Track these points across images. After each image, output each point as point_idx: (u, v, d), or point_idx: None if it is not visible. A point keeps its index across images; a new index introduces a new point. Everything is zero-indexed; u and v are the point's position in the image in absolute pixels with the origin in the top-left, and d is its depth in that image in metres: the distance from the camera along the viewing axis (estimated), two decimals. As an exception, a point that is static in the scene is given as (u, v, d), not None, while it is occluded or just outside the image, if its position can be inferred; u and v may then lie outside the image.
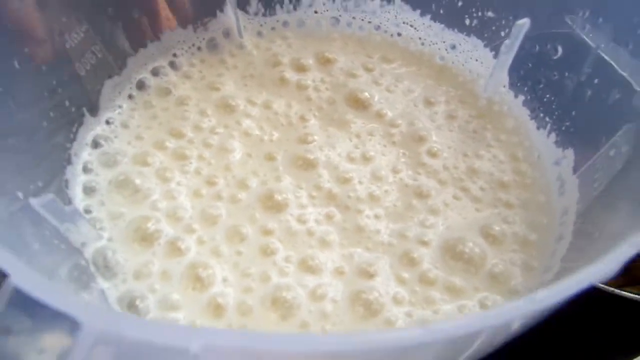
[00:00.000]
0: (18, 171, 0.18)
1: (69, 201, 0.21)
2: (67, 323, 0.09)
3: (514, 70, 0.25)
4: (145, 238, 0.21)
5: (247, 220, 0.22)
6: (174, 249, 0.21)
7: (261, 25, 0.29)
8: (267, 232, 0.22)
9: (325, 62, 0.28)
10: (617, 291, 0.30)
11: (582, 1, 0.21)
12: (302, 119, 0.26)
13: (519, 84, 0.25)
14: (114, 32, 0.25)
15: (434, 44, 0.29)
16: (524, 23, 0.24)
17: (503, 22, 0.25)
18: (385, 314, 0.20)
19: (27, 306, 0.10)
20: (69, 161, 0.22)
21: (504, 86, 0.26)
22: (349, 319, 0.20)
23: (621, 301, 0.31)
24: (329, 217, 0.22)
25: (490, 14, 0.26)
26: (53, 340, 0.10)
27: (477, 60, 0.27)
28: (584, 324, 0.35)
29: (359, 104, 0.27)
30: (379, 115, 0.26)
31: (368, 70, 0.28)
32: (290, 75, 0.28)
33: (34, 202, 0.17)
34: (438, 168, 0.24)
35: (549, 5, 0.23)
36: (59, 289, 0.15)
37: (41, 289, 0.10)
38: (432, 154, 0.25)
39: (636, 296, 0.31)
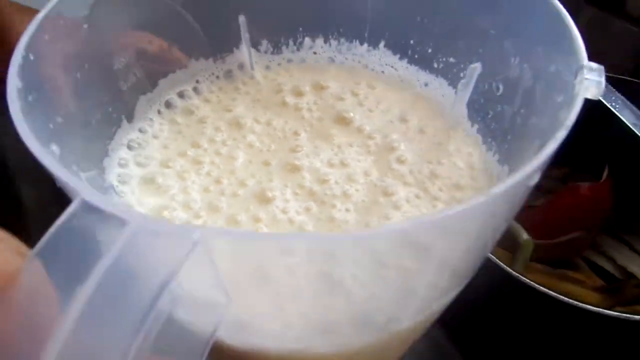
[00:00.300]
0: (74, 152, 0.24)
1: (106, 182, 0.27)
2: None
3: (470, 104, 0.31)
4: (163, 219, 0.27)
5: (243, 210, 0.28)
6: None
7: (270, 61, 0.36)
8: (257, 220, 0.27)
9: (319, 88, 0.35)
10: (607, 312, 0.34)
11: (514, 51, 0.27)
12: (295, 133, 0.32)
13: (475, 115, 0.31)
14: (149, 60, 0.31)
15: (410, 81, 0.35)
16: (476, 67, 0.30)
17: (462, 65, 0.31)
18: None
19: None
20: (107, 154, 0.28)
21: (464, 117, 0.32)
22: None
23: (612, 321, 0.34)
24: (307, 210, 0.28)
25: (452, 59, 0.32)
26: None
27: (443, 96, 0.33)
28: (573, 344, 0.39)
29: (343, 122, 0.32)
30: (359, 130, 0.32)
31: (354, 94, 0.34)
32: (290, 99, 0.34)
33: (82, 175, 0.23)
34: (404, 172, 0.29)
35: (495, 53, 0.29)
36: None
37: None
38: (401, 161, 0.30)
39: (628, 315, 0.34)
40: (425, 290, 0.22)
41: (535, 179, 0.19)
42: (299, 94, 0.34)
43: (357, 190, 0.28)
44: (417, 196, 0.28)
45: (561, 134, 0.18)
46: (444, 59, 0.32)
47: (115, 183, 0.28)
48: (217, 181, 0.29)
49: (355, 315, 0.21)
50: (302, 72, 0.36)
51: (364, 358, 0.25)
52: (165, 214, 0.27)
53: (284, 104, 0.34)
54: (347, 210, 0.28)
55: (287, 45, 0.36)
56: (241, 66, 0.36)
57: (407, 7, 0.32)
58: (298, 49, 0.36)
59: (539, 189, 0.53)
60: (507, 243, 0.47)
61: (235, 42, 0.35)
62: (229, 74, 0.35)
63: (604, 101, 0.50)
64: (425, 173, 0.29)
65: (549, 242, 0.46)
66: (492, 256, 0.37)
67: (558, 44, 0.22)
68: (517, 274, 0.36)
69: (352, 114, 0.33)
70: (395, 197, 0.28)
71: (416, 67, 0.34)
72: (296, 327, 0.21)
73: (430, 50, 0.33)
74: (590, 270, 0.47)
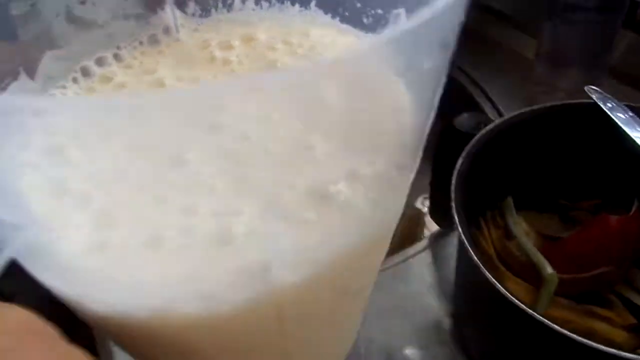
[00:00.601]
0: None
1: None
2: None
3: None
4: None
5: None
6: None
7: (198, 24, 0.34)
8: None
9: (249, 40, 0.32)
10: (632, 356, 0.31)
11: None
12: None
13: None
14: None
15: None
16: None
17: (387, 16, 0.29)
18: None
19: None
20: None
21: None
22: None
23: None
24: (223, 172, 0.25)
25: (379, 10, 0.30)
26: None
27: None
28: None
29: None
30: None
31: (287, 43, 0.31)
32: (218, 53, 0.31)
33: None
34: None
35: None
36: None
37: None
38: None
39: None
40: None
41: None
42: (228, 47, 0.32)
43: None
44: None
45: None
46: (372, 12, 0.30)
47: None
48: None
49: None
50: (231, 27, 0.34)
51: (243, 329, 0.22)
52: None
53: (212, 59, 0.31)
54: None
55: (217, 7, 0.34)
56: (166, 29, 0.34)
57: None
58: (228, 11, 0.34)
59: (566, 221, 0.51)
60: (530, 275, 0.44)
61: (160, 2, 0.33)
62: (153, 39, 0.33)
63: (599, 103, 0.47)
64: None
65: (576, 276, 0.44)
66: (512, 297, 0.35)
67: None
68: (539, 316, 0.34)
69: (285, 63, 0.31)
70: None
71: (347, 26, 0.32)
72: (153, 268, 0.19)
73: (359, 5, 0.31)
74: (623, 306, 0.44)
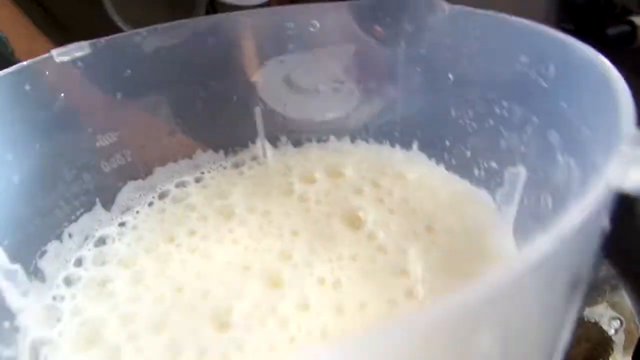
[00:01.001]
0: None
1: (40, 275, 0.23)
2: None
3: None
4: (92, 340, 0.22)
5: (191, 334, 0.22)
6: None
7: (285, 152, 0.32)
8: (203, 353, 0.21)
9: (335, 175, 0.29)
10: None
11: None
12: (294, 233, 0.26)
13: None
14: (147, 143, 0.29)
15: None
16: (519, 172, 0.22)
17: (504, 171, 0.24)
18: None
19: None
20: (59, 237, 0.25)
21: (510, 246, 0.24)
22: None
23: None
24: (272, 348, 0.21)
25: (494, 164, 0.25)
26: None
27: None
28: None
29: (353, 223, 0.26)
30: (370, 237, 0.25)
31: (375, 185, 0.28)
32: (298, 186, 0.28)
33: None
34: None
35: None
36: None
37: None
38: (412, 295, 0.22)
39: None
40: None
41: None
42: (309, 180, 0.29)
43: (341, 330, 0.21)
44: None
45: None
46: (485, 165, 0.25)
47: (59, 282, 0.24)
48: (178, 289, 0.24)
49: None
50: (320, 154, 0.31)
51: None
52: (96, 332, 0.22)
53: (290, 191, 0.28)
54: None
55: (310, 140, 0.32)
56: (254, 157, 0.32)
57: (439, 102, 0.26)
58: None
59: None
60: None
61: (251, 136, 0.31)
62: (236, 163, 0.31)
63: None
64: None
65: None
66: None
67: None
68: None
69: (367, 215, 0.27)
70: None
71: (453, 174, 0.28)
72: None
73: (468, 154, 0.26)
74: None
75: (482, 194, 0.26)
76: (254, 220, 0.27)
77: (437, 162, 0.28)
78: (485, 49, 0.23)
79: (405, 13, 0.26)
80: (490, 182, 0.25)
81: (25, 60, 0.23)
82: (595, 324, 0.57)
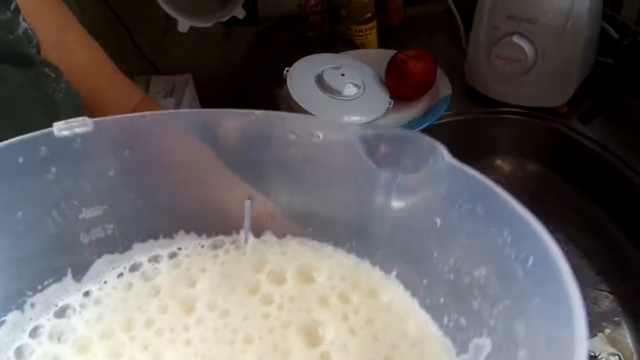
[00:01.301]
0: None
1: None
2: None
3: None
4: None
5: None
6: None
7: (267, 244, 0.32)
8: None
9: (305, 280, 0.28)
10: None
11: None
12: (246, 340, 0.25)
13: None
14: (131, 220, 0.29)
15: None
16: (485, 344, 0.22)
17: (471, 334, 0.24)
18: None
19: None
20: (20, 307, 0.24)
21: None
22: None
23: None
24: None
25: (463, 321, 0.24)
26: None
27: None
28: None
29: (311, 340, 0.25)
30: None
31: (344, 300, 0.27)
32: (265, 286, 0.28)
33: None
34: None
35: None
36: None
37: None
38: None
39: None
40: None
41: None
42: (279, 280, 0.29)
43: None
44: None
45: None
46: (455, 317, 0.25)
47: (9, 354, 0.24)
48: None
49: None
50: (298, 251, 0.30)
51: None
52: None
53: (254, 291, 0.28)
54: None
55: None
56: (234, 242, 0.31)
57: (424, 240, 0.26)
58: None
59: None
60: None
61: (236, 227, 0.31)
62: (215, 244, 0.31)
63: None
64: None
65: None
66: None
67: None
68: None
69: (326, 332, 0.26)
70: None
71: (428, 315, 0.27)
72: None
73: (442, 300, 0.26)
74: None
75: (448, 344, 0.25)
76: (211, 321, 0.27)
77: (412, 295, 0.28)
78: (472, 212, 0.23)
79: (407, 147, 0.26)
80: (457, 336, 0.24)
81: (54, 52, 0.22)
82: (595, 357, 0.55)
